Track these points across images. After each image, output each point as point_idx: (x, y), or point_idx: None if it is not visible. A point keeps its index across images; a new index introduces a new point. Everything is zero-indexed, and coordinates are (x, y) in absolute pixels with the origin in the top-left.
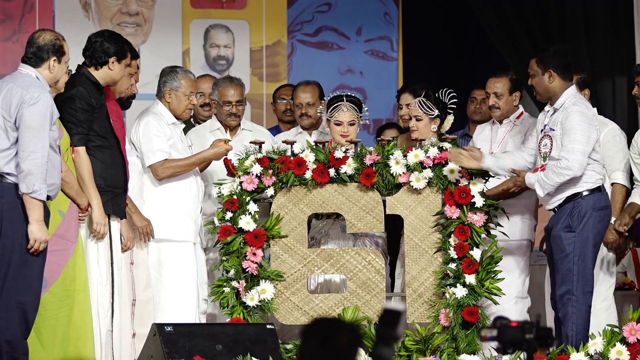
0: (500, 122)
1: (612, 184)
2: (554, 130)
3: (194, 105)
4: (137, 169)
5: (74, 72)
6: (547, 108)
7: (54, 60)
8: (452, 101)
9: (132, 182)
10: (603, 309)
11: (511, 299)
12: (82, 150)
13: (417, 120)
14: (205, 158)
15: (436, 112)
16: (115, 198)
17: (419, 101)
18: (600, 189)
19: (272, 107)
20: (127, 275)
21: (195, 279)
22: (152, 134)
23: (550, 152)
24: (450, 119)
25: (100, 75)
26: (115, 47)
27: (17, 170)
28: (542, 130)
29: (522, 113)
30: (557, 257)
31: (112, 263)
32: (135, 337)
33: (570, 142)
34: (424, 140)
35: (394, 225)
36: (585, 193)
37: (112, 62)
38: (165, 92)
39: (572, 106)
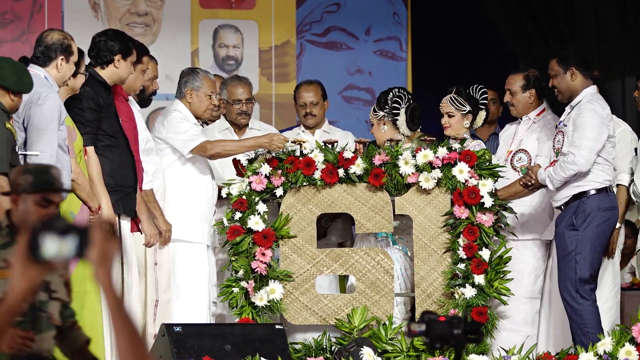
0: (521, 119)
1: (617, 185)
2: (567, 126)
3: (214, 105)
4: (162, 169)
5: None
6: (567, 107)
7: (62, 59)
8: (483, 97)
9: (157, 182)
10: (604, 311)
11: (518, 299)
12: (90, 150)
13: (450, 116)
14: (260, 145)
15: (468, 107)
16: (125, 197)
17: (451, 97)
18: (607, 190)
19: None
20: (151, 276)
21: (207, 281)
22: (182, 125)
23: (561, 147)
24: (482, 115)
25: (107, 74)
26: (119, 44)
27: None
28: (556, 127)
29: (543, 110)
30: (560, 255)
31: (122, 263)
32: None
33: (579, 138)
34: (454, 137)
35: None
36: (591, 192)
37: (118, 60)
38: (186, 93)
39: (587, 104)
